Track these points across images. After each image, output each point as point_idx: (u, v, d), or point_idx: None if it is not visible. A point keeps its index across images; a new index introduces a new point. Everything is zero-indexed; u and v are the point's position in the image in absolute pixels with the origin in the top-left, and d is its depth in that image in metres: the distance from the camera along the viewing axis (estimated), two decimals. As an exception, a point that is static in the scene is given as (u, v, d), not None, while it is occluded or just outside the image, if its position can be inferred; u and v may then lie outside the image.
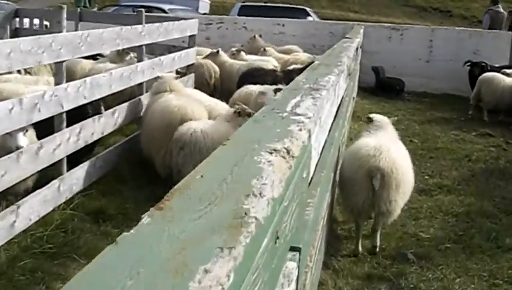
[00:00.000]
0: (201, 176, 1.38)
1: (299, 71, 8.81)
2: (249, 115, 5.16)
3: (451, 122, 10.61)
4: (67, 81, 5.31)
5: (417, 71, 13.32)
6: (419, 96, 12.86)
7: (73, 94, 5.18)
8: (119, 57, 8.82)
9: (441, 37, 13.64)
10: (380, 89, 12.99)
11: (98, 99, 5.85)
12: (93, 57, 8.69)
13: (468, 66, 11.96)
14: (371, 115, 5.79)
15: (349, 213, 5.08)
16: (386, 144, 4.78)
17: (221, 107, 6.89)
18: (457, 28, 14.79)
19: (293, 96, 2.54)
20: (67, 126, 5.18)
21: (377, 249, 4.97)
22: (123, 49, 8.18)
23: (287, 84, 7.25)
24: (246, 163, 1.48)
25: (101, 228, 5.04)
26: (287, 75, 8.68)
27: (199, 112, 6.15)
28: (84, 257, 4.54)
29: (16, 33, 10.88)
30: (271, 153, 1.59)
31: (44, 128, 4.97)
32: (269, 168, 1.46)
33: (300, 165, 1.79)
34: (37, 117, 4.60)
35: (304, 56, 10.94)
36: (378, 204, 4.63)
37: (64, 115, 5.12)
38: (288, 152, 1.64)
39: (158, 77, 6.66)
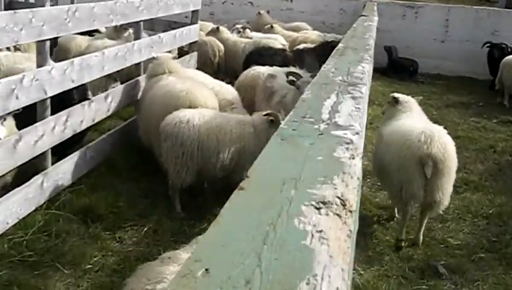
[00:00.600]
0: (206, 271, 0.77)
1: (311, 51, 8.16)
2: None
3: (470, 107, 9.95)
4: (60, 61, 4.69)
5: (431, 52, 12.58)
6: (434, 79, 12.15)
7: (59, 77, 4.55)
8: (116, 33, 8.16)
9: (457, 16, 12.86)
10: (392, 70, 12.28)
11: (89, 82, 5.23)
12: (89, 33, 8.03)
13: (487, 47, 11.25)
14: (396, 95, 5.24)
15: (397, 201, 4.74)
16: (436, 129, 4.57)
17: (227, 90, 6.23)
18: (475, 7, 13.99)
19: (326, 95, 1.92)
20: (52, 114, 4.57)
21: (420, 243, 4.71)
22: (121, 25, 7.52)
23: (299, 65, 6.65)
24: (280, 237, 0.86)
25: (90, 230, 4.44)
26: (297, 55, 8.02)
27: (210, 97, 5.46)
28: (68, 265, 3.97)
29: (10, 6, 10.22)
30: (319, 209, 0.98)
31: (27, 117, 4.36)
32: (322, 248, 0.84)
33: (355, 218, 1.19)
34: (14, 105, 3.98)
35: (313, 34, 10.23)
36: (431, 192, 4.40)
37: (48, 102, 4.50)
38: (344, 204, 1.02)
39: (153, 58, 5.98)
